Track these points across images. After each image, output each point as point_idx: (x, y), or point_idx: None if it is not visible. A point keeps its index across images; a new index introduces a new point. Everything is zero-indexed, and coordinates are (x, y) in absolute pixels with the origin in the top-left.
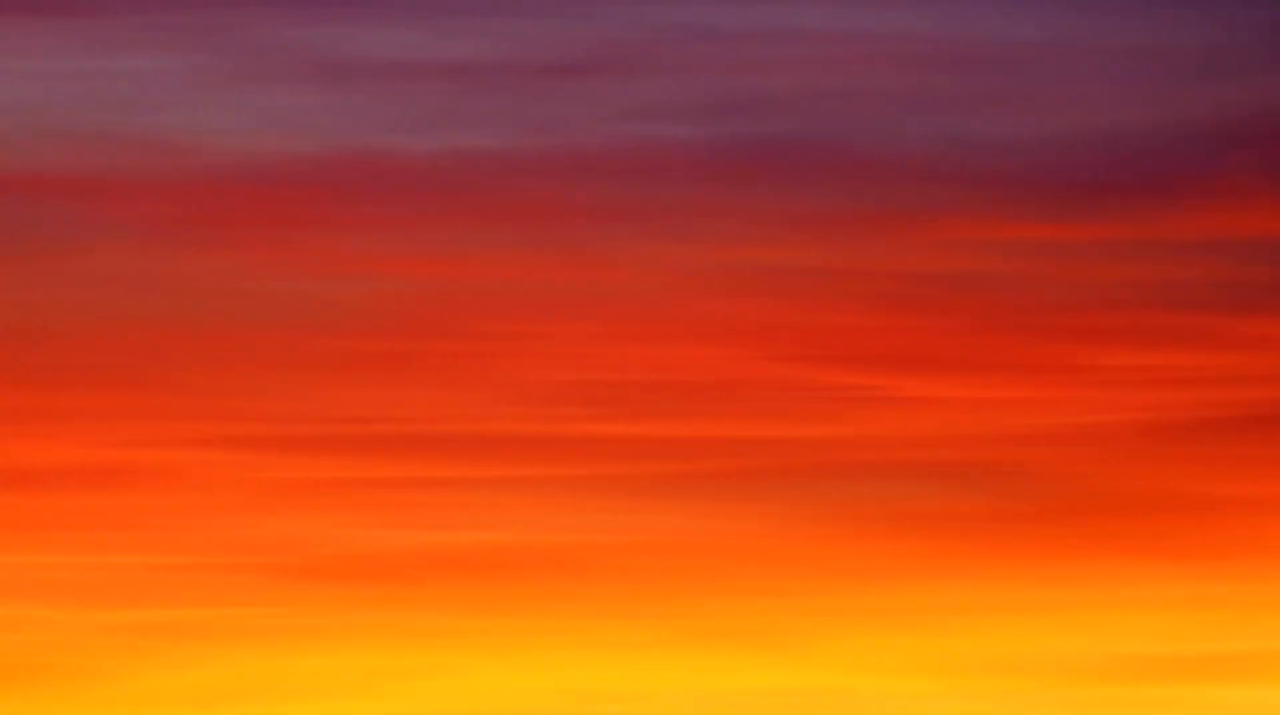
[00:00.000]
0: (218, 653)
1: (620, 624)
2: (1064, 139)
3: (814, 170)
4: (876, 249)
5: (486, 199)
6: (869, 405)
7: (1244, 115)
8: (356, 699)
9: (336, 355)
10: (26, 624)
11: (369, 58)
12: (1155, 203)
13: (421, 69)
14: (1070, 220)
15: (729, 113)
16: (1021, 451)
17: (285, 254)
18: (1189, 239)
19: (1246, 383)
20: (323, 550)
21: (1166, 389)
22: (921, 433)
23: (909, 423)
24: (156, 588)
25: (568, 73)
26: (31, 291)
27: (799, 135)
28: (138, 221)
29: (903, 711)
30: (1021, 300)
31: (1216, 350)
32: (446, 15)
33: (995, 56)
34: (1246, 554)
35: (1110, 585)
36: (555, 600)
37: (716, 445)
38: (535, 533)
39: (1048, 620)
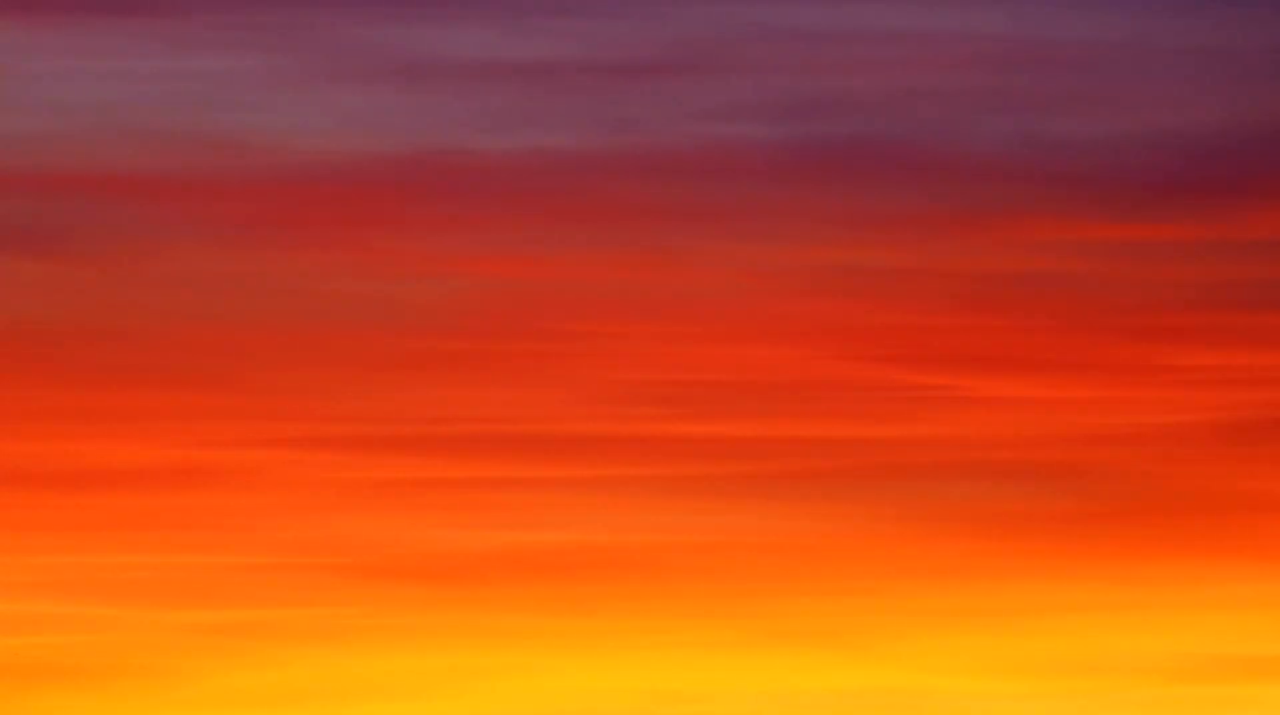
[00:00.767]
0: (295, 653)
1: (696, 624)
2: (1139, 139)
3: (891, 170)
4: (953, 249)
5: (563, 199)
6: (945, 405)
7: None
8: (433, 699)
9: (414, 355)
10: (106, 624)
11: (447, 57)
12: (1230, 202)
13: (499, 69)
14: (1145, 220)
15: (806, 113)
16: (1097, 451)
17: (363, 254)
18: (1264, 238)
19: None
20: (400, 550)
21: (1242, 389)
22: (998, 433)
23: (985, 423)
24: (235, 588)
25: (645, 72)
26: (111, 292)
27: (876, 135)
28: (217, 221)
29: (979, 711)
30: (1097, 300)
31: None
32: (524, 15)
33: (1071, 57)
34: None
35: (1186, 585)
36: (631, 600)
37: (793, 445)
38: (611, 533)
39: (1124, 620)
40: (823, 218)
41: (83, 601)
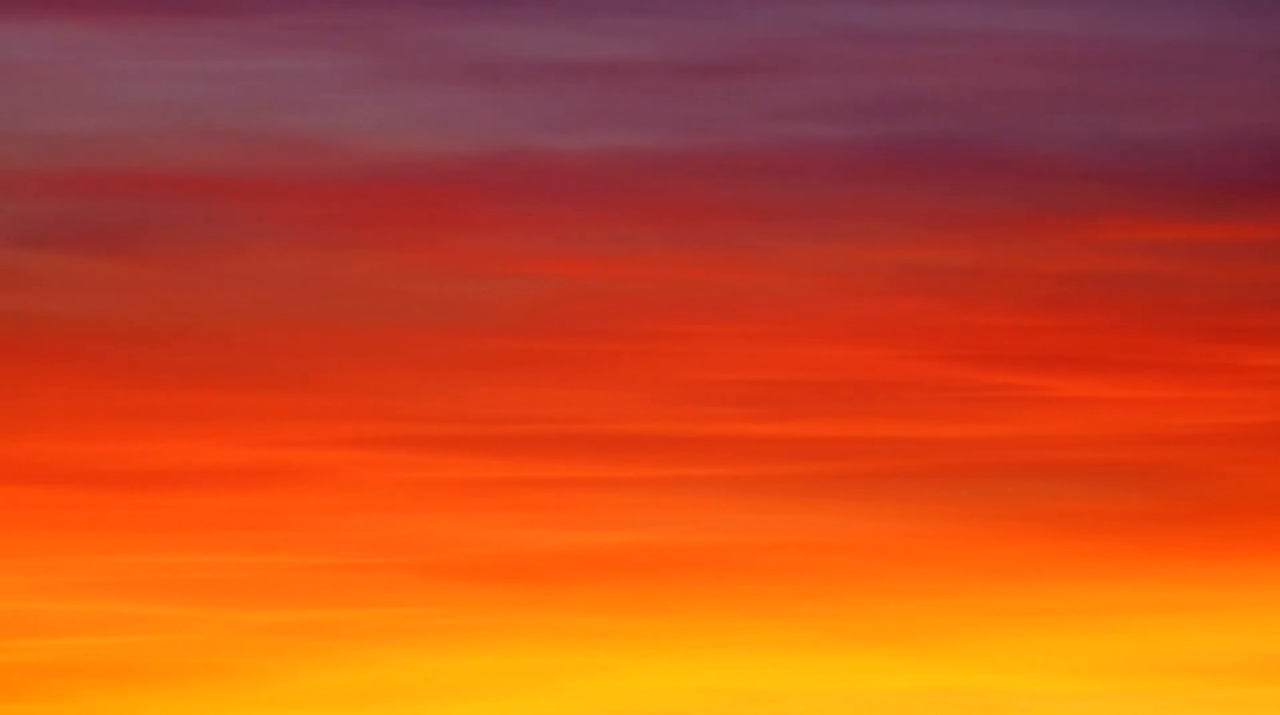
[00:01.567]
0: (371, 653)
1: (772, 624)
2: (1215, 139)
3: (967, 170)
4: (1029, 249)
5: (639, 199)
6: (1021, 405)
7: None
8: (508, 699)
9: (488, 355)
10: (182, 624)
11: (521, 57)
12: None
13: (573, 69)
14: (1221, 220)
15: (882, 113)
16: (1174, 451)
17: (438, 254)
18: None
19: None
20: (475, 550)
21: None
22: (1074, 432)
23: (1062, 423)
24: (310, 588)
25: (721, 72)
26: (185, 292)
27: (952, 135)
28: (291, 221)
29: (1054, 712)
30: (1174, 300)
31: None
32: (599, 15)
33: (1147, 56)
34: None
35: (1261, 585)
36: (707, 600)
37: (870, 445)
38: (688, 533)
39: (1200, 620)
40: (898, 218)
41: (161, 602)
